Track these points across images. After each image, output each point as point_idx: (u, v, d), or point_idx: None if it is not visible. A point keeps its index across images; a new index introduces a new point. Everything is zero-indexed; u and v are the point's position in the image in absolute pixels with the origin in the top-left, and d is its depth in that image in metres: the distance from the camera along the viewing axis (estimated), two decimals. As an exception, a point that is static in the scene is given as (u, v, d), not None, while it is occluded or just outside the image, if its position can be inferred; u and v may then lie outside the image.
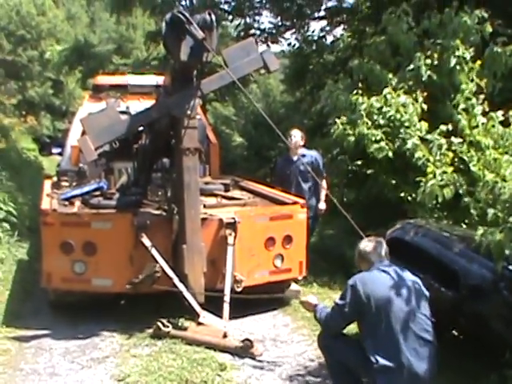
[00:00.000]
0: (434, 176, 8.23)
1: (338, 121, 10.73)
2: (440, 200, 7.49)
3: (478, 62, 10.70)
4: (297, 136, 11.08)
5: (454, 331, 7.70)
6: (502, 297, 6.35)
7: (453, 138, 10.24)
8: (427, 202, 7.61)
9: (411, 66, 10.96)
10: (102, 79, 13.95)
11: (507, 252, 6.02)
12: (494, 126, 10.46)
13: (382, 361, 5.62)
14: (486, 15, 10.93)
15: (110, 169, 10.30)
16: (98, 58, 35.86)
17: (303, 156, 10.99)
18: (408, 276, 6.00)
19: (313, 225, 11.14)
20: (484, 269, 6.53)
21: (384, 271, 5.92)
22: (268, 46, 19.94)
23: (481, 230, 6.37)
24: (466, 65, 10.72)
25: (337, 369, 6.09)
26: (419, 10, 11.95)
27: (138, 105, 11.06)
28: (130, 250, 8.35)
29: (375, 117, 10.61)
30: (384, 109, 10.56)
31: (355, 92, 10.85)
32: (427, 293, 5.97)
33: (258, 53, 8.73)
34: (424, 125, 10.42)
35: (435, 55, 10.86)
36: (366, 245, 6.17)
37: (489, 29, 10.88)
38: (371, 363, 5.64)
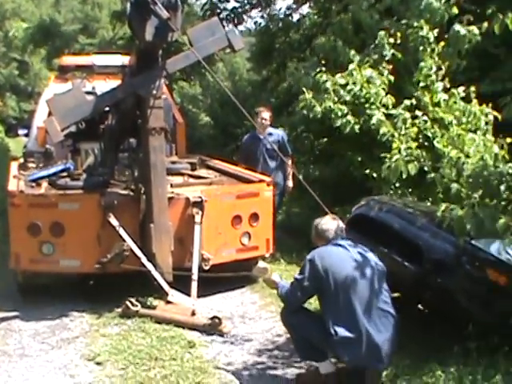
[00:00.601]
0: (399, 152, 8.32)
1: (305, 90, 10.76)
2: (404, 176, 7.57)
3: (442, 44, 10.76)
4: (267, 118, 11.16)
5: (418, 305, 7.83)
6: (465, 271, 6.45)
7: (417, 112, 10.34)
8: (392, 177, 7.67)
9: (375, 44, 11.01)
10: (68, 60, 13.90)
11: (468, 227, 6.12)
12: (455, 103, 10.57)
13: (341, 332, 5.73)
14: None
15: (76, 150, 10.32)
16: (64, 38, 35.65)
17: (270, 135, 11.07)
18: (363, 248, 6.15)
19: (278, 203, 11.25)
20: (447, 243, 6.62)
21: (340, 245, 6.05)
22: (236, 26, 19.93)
23: (443, 206, 6.47)
24: (428, 46, 10.78)
25: (302, 343, 6.17)
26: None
27: (104, 85, 11.04)
28: (97, 230, 8.39)
29: (341, 92, 10.65)
30: (349, 86, 10.62)
31: (319, 70, 10.89)
32: (384, 267, 6.10)
33: (222, 32, 8.78)
34: (390, 98, 10.49)
35: (398, 34, 10.92)
36: (323, 222, 6.26)
37: (455, 10, 10.94)
38: (331, 336, 5.76)
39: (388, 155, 7.78)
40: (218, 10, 20.06)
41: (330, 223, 6.23)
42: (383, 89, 10.54)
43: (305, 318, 6.13)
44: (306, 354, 6.25)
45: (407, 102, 10.34)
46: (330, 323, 5.80)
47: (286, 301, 6.26)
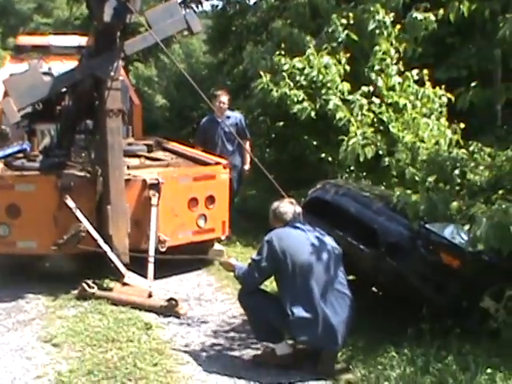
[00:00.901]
0: (356, 135, 8.41)
1: (262, 74, 10.82)
2: (361, 159, 7.66)
3: (398, 27, 10.88)
4: (225, 101, 11.18)
5: (373, 288, 7.95)
6: (419, 254, 6.55)
7: (374, 99, 10.45)
8: (348, 160, 7.73)
9: (329, 29, 11.08)
10: (24, 40, 13.78)
11: (421, 211, 6.24)
12: (409, 86, 10.70)
13: (298, 313, 5.85)
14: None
15: (32, 130, 10.22)
16: (19, 16, 35.20)
17: (228, 118, 11.11)
18: (320, 232, 6.27)
19: (237, 185, 11.30)
20: (402, 227, 6.72)
21: (298, 227, 6.15)
22: (191, 7, 19.91)
23: (398, 191, 6.58)
24: (385, 29, 10.89)
25: (259, 325, 6.24)
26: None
27: (61, 66, 10.96)
28: (54, 211, 8.36)
29: (297, 77, 10.73)
30: (306, 70, 10.69)
31: (278, 53, 10.94)
32: (340, 249, 6.22)
33: (181, 14, 8.78)
34: (346, 85, 10.58)
35: (350, 14, 11.00)
36: (281, 205, 6.34)
37: (410, -5, 11.08)
38: (288, 316, 5.85)
39: (345, 138, 7.85)
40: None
41: (287, 206, 6.30)
42: (339, 76, 10.63)
43: (262, 299, 6.20)
44: (263, 335, 6.31)
45: (364, 89, 10.45)
46: (287, 304, 5.90)
47: (243, 282, 6.32)
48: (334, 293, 6.00)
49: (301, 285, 5.91)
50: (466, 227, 5.98)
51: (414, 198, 6.37)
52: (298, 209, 6.33)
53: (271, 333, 6.17)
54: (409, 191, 6.49)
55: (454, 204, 6.07)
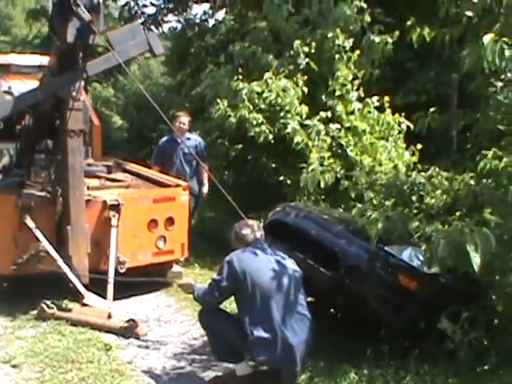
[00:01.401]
0: (315, 161, 8.51)
1: (219, 101, 10.91)
2: (322, 185, 7.76)
3: (357, 52, 11.03)
4: (186, 122, 11.24)
5: (332, 310, 8.01)
6: (378, 276, 6.64)
7: (331, 125, 10.56)
8: (309, 187, 7.85)
9: (291, 53, 11.21)
10: None
11: (380, 231, 6.33)
12: (369, 112, 10.85)
13: (257, 333, 5.89)
14: (364, 5, 11.28)
15: (-9, 150, 10.20)
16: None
17: (188, 139, 11.17)
18: (282, 255, 6.33)
19: (193, 208, 11.33)
20: (362, 250, 6.81)
21: (259, 249, 6.22)
22: (150, 29, 19.91)
23: (357, 210, 6.69)
24: (345, 54, 11.04)
25: (219, 344, 6.28)
26: (300, -2, 12.18)
27: (21, 85, 10.93)
28: (13, 231, 8.30)
29: (256, 101, 10.81)
30: (265, 94, 10.78)
31: (236, 78, 11.02)
32: (300, 271, 6.27)
33: (143, 36, 8.78)
34: (304, 108, 10.68)
35: (313, 43, 11.13)
36: (243, 227, 6.40)
37: (367, 19, 11.24)
38: (247, 336, 5.90)
39: (305, 165, 7.94)
40: (135, 13, 20.05)
41: (249, 228, 6.35)
42: (297, 98, 10.73)
43: (222, 319, 6.25)
44: (223, 355, 6.34)
45: (323, 114, 10.55)
46: (246, 323, 5.94)
47: (203, 302, 6.34)
48: (294, 314, 6.04)
49: (260, 306, 5.95)
50: (423, 247, 6.10)
51: (374, 215, 6.46)
52: (260, 231, 6.39)
53: (231, 353, 6.20)
54: (368, 212, 6.58)
55: (414, 224, 6.19)
